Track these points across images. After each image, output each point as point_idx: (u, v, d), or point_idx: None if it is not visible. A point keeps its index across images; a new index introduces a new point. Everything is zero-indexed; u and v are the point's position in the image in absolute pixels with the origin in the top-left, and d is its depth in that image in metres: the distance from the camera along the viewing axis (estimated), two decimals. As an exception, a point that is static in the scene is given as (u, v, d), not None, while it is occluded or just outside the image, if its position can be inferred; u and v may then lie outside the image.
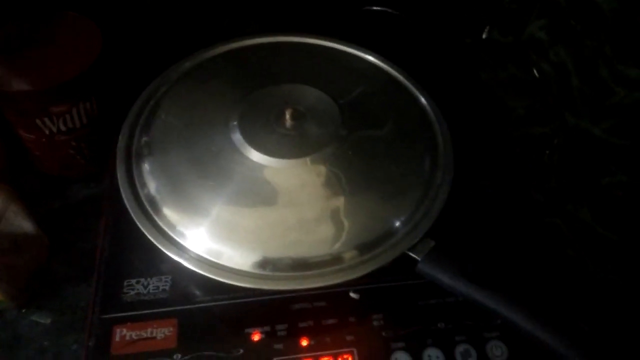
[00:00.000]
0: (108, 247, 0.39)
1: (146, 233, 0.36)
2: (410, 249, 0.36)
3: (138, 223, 0.36)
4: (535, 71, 0.43)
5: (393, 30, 0.55)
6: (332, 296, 0.38)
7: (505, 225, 0.42)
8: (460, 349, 0.36)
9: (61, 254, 0.44)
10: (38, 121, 0.42)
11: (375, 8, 0.55)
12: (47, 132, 0.43)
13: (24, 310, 0.41)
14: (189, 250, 0.36)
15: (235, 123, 0.39)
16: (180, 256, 0.35)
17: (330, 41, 0.47)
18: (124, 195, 0.37)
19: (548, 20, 0.41)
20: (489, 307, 0.33)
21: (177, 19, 0.53)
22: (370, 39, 0.49)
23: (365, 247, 0.36)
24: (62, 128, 0.43)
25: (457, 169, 0.40)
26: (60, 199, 0.48)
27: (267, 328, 0.36)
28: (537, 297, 0.33)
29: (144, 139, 0.40)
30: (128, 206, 0.37)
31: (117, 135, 0.41)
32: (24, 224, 0.41)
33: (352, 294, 0.38)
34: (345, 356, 0.35)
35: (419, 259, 0.35)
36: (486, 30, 0.51)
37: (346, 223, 0.36)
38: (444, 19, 0.56)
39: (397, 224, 0.37)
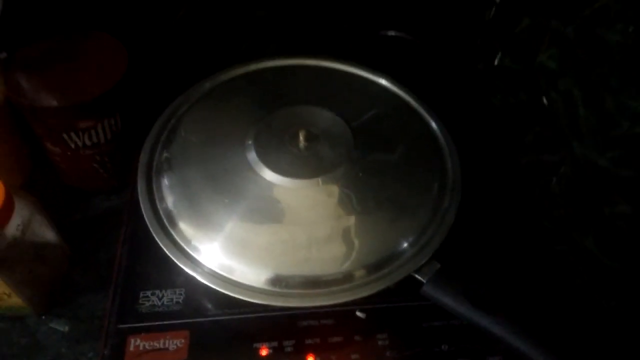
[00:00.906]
0: (126, 259, 0.41)
1: (162, 246, 0.37)
2: (416, 271, 0.37)
3: (155, 236, 0.38)
4: (544, 99, 0.43)
5: (407, 55, 0.57)
6: (339, 314, 0.39)
7: (511, 251, 0.42)
8: (463, 371, 0.37)
9: (81, 264, 0.46)
10: (65, 135, 0.44)
11: (390, 33, 0.56)
12: (72, 146, 0.45)
13: (43, 317, 0.43)
14: (202, 264, 0.37)
15: (250, 142, 0.41)
16: (194, 270, 0.37)
17: (345, 64, 0.48)
18: (143, 209, 0.39)
19: (558, 50, 0.42)
20: (492, 333, 0.33)
21: (198, 40, 0.55)
22: (384, 64, 0.50)
23: (373, 268, 0.37)
24: (87, 143, 0.45)
25: (465, 193, 0.41)
26: (82, 211, 0.50)
27: (274, 344, 0.37)
28: (541, 325, 0.34)
29: (165, 155, 0.42)
30: (147, 219, 0.38)
31: (139, 150, 0.43)
32: (48, 234, 0.43)
33: (358, 313, 0.39)
34: (350, 373, 0.36)
35: (424, 281, 0.36)
36: (498, 56, 0.52)
37: (356, 243, 0.38)
38: (457, 45, 0.58)
39: (405, 245, 0.38)
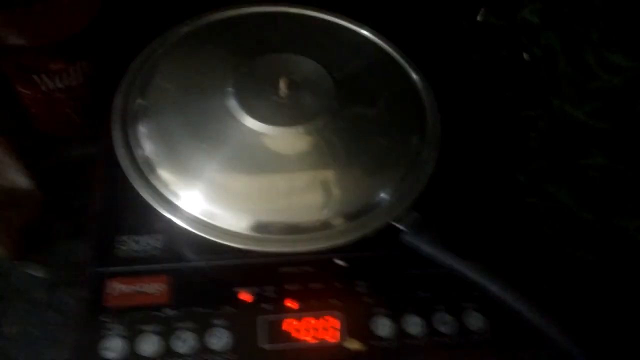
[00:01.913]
0: (101, 203, 0.40)
1: (139, 191, 0.37)
2: (395, 220, 0.37)
3: (132, 181, 0.37)
4: (525, 55, 0.44)
5: (390, 7, 0.56)
6: (318, 262, 0.40)
7: (487, 202, 0.43)
8: (438, 316, 0.38)
9: (56, 211, 0.45)
10: (35, 77, 0.42)
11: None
12: (43, 88, 0.43)
13: (17, 263, 0.42)
14: (182, 209, 0.37)
15: (230, 89, 0.40)
16: (172, 214, 0.36)
17: (326, 14, 0.47)
18: (118, 155, 0.38)
19: (542, 4, 0.42)
20: (468, 277, 0.35)
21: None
22: (366, 14, 0.49)
23: (352, 216, 0.38)
24: (59, 85, 0.43)
25: (444, 146, 0.41)
26: (56, 158, 0.48)
27: (255, 288, 0.38)
28: (515, 270, 0.35)
29: (139, 100, 0.41)
30: (122, 165, 0.38)
31: (112, 96, 0.42)
32: (18, 178, 0.41)
33: (337, 261, 0.40)
34: (327, 318, 0.37)
35: (404, 229, 0.37)
36: (481, 12, 0.52)
37: (335, 191, 0.38)
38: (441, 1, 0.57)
39: (384, 195, 0.38)
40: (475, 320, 0.38)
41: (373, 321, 0.37)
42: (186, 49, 0.44)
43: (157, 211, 0.37)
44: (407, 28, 0.52)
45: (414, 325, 0.38)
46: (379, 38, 0.47)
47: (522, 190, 0.45)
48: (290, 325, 0.37)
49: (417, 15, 0.56)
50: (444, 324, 0.38)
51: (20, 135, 0.47)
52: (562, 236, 0.41)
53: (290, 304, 0.38)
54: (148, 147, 0.39)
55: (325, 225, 0.37)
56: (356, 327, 0.37)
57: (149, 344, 0.35)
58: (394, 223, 0.37)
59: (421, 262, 0.38)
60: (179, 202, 0.37)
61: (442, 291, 0.39)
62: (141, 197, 0.37)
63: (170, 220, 0.36)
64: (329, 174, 0.38)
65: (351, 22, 0.47)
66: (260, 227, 0.37)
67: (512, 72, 0.47)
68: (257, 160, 0.38)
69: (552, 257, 0.41)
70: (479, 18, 0.53)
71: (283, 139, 0.39)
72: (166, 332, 0.35)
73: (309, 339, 0.37)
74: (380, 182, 0.39)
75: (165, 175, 0.38)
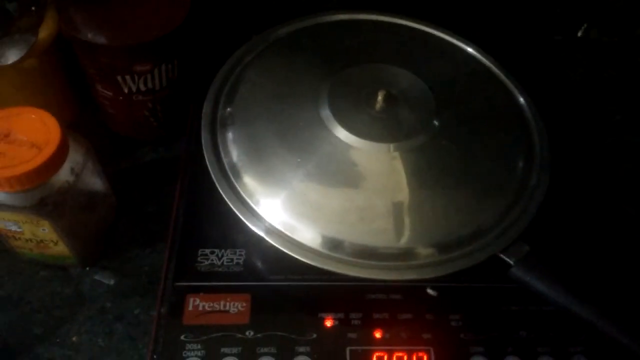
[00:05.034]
0: (183, 213, 0.38)
1: (227, 200, 0.35)
2: (502, 252, 0.34)
3: (220, 189, 0.35)
4: (643, 76, 0.40)
5: (479, 16, 0.53)
6: (408, 290, 0.36)
7: (599, 235, 0.39)
8: (541, 360, 0.34)
9: (127, 216, 0.44)
10: (119, 78, 0.41)
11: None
12: (125, 90, 0.42)
13: (87, 269, 0.41)
14: (266, 222, 0.35)
15: (324, 99, 0.37)
16: (258, 227, 0.34)
17: (423, 25, 0.45)
18: (207, 161, 0.36)
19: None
20: (585, 319, 0.31)
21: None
22: (458, 25, 0.46)
23: (449, 246, 0.34)
24: (142, 88, 0.42)
25: (553, 171, 0.38)
26: (129, 161, 0.47)
27: (341, 315, 0.35)
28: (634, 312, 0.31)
29: (228, 108, 0.39)
30: (212, 172, 0.35)
31: (194, 102, 0.40)
32: (98, 182, 0.40)
33: (429, 291, 0.36)
34: (420, 354, 0.34)
35: (512, 262, 0.33)
36: (583, 28, 0.48)
37: (434, 217, 0.35)
38: (534, 13, 0.53)
39: (487, 224, 0.35)
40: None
41: (470, 361, 0.34)
42: (275, 55, 0.42)
43: (239, 224, 0.34)
44: (501, 41, 0.49)
45: (515, 368, 0.34)
46: (481, 54, 0.44)
47: (632, 222, 0.40)
48: (380, 359, 0.33)
49: (510, 28, 0.53)
50: (550, 369, 0.34)
51: (94, 136, 0.46)
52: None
53: (379, 335, 0.34)
54: (235, 154, 0.37)
55: (419, 255, 0.34)
56: (450, 366, 0.34)
57: (229, 369, 0.33)
58: (502, 256, 0.34)
59: (522, 298, 0.35)
60: (263, 213, 0.35)
61: (546, 332, 0.35)
62: (224, 208, 0.35)
63: (252, 234, 0.34)
64: (428, 198, 0.35)
65: (451, 35, 0.45)
66: (346, 248, 0.34)
67: (621, 93, 0.43)
68: (350, 176, 0.35)
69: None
70: (579, 34, 0.49)
71: (376, 155, 0.36)
72: (247, 357, 0.33)
73: (398, 375, 0.33)
74: (484, 209, 0.35)
75: (252, 183, 0.36)
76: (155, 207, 0.44)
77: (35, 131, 0.34)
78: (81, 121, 0.48)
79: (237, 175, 0.36)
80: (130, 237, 0.43)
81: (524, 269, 0.33)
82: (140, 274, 0.41)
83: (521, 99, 0.42)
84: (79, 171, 0.37)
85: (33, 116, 0.34)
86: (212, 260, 0.36)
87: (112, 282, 0.41)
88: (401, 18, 0.45)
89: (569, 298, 0.31)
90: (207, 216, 0.38)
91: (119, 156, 0.47)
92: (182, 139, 0.43)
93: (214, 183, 0.35)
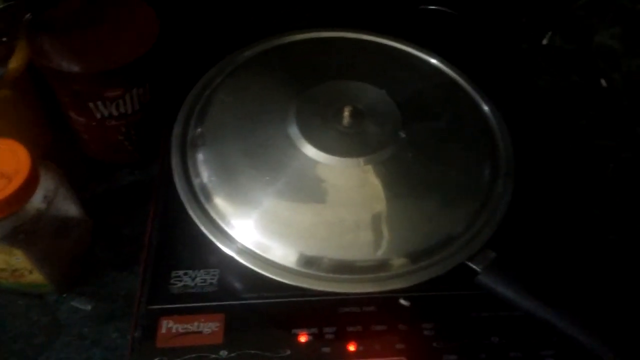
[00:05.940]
0: (156, 236, 0.39)
1: (198, 222, 0.35)
2: (469, 259, 0.34)
3: (190, 212, 0.35)
4: (603, 81, 0.41)
5: (447, 30, 0.54)
6: (381, 302, 0.37)
7: (564, 239, 0.40)
8: (514, 365, 0.35)
9: (104, 240, 0.44)
10: (91, 104, 0.42)
11: (431, 7, 0.53)
12: (98, 116, 0.43)
13: (64, 295, 0.41)
14: (237, 242, 0.35)
15: (292, 117, 0.38)
16: (230, 248, 0.34)
17: (389, 39, 0.46)
18: (177, 183, 0.36)
19: (622, 29, 0.39)
20: (554, 325, 0.31)
21: (230, 10, 0.52)
22: (425, 38, 0.47)
23: (421, 255, 0.35)
24: (114, 113, 0.43)
25: (518, 178, 0.38)
26: (104, 184, 0.47)
27: (314, 330, 0.35)
28: (607, 319, 0.32)
29: (199, 129, 0.39)
30: (181, 194, 0.36)
31: (167, 124, 0.40)
32: (71, 208, 0.40)
33: (402, 301, 0.37)
34: (394, 364, 0.34)
35: (479, 270, 0.34)
36: (547, 36, 0.49)
37: (402, 228, 0.35)
38: (500, 22, 0.55)
39: (455, 232, 0.36)
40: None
41: (443, 369, 0.34)
42: (244, 76, 0.43)
43: (212, 244, 0.35)
44: (467, 52, 0.50)
45: (488, 375, 0.34)
46: (444, 64, 0.45)
47: (599, 225, 0.41)
48: (354, 372, 0.34)
49: (475, 37, 0.54)
50: (522, 374, 0.34)
51: (69, 162, 0.47)
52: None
53: (353, 347, 0.35)
54: (206, 175, 0.37)
55: (390, 266, 0.35)
56: (425, 375, 0.34)
57: (204, 390, 0.33)
58: (468, 263, 0.34)
59: (493, 304, 0.35)
60: (235, 234, 0.35)
61: (517, 337, 0.36)
62: (196, 230, 0.35)
63: (224, 254, 0.34)
64: (396, 209, 0.36)
65: (414, 48, 0.46)
66: (320, 264, 0.34)
67: (585, 98, 0.44)
68: (319, 192, 0.36)
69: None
70: (544, 42, 0.50)
71: (346, 170, 0.37)
72: (222, 377, 0.33)
73: (373, 386, 0.34)
74: (451, 218, 0.36)
75: (222, 204, 0.36)
76: (131, 230, 0.44)
77: (4, 161, 0.34)
78: (58, 147, 0.48)
79: (208, 196, 0.36)
80: (107, 261, 0.43)
81: (489, 276, 0.33)
82: (117, 298, 0.41)
83: (486, 108, 0.42)
84: (52, 198, 0.37)
85: (2, 146, 0.35)
86: (185, 281, 0.36)
87: (89, 307, 0.41)
88: (368, 34, 0.46)
89: (534, 303, 0.32)
90: (180, 238, 0.38)
91: (96, 180, 0.47)
92: (157, 161, 0.43)
93: (185, 205, 0.36)
